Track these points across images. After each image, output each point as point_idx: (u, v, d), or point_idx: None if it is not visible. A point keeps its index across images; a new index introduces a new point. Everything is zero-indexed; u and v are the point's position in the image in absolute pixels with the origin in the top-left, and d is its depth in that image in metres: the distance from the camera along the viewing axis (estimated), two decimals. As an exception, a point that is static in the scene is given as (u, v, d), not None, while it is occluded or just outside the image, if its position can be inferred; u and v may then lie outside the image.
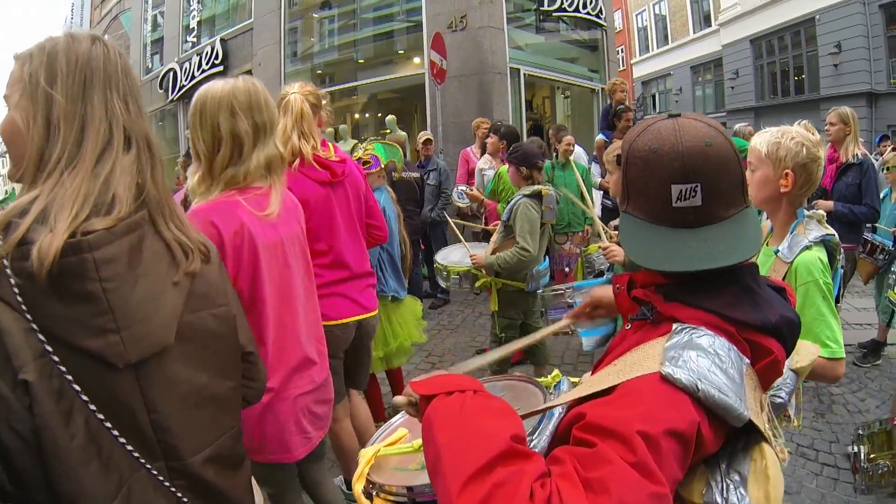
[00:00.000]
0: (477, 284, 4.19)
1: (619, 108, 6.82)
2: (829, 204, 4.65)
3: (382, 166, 3.79)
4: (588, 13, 11.46)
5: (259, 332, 1.87)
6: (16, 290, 0.98)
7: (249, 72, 13.07)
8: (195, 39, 15.87)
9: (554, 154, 6.86)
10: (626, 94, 7.14)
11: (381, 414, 3.89)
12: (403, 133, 8.74)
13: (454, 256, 4.56)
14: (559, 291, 3.34)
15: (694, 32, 26.40)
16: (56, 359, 1.00)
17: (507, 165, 4.48)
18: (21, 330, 0.98)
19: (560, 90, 13.71)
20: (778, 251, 1.98)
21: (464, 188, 5.99)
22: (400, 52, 11.47)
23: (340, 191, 2.68)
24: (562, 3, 10.81)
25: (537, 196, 3.95)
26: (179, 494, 1.20)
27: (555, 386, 1.41)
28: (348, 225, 2.74)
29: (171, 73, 15.88)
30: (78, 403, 1.04)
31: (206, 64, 14.60)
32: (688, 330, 0.96)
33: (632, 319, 1.11)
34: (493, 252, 3.97)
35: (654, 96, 29.35)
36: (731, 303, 0.99)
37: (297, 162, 2.55)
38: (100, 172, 1.11)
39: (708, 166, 1.00)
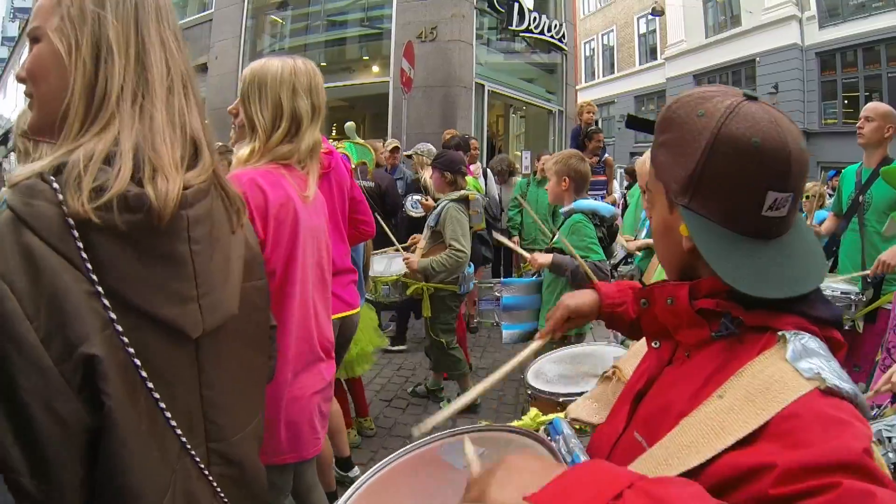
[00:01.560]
0: (408, 292, 4.23)
1: (589, 129, 7.04)
2: None
3: (354, 166, 3.75)
4: (552, 36, 11.70)
5: (283, 320, 1.79)
6: (79, 245, 0.83)
7: (205, 65, 12.72)
8: (147, 28, 15.38)
9: (533, 173, 7.10)
10: (593, 115, 7.32)
11: (348, 422, 3.88)
12: (361, 141, 8.68)
13: (377, 267, 4.49)
14: (489, 284, 3.56)
15: (640, 64, 27.22)
16: (119, 328, 0.87)
17: (470, 177, 4.56)
18: (84, 293, 0.84)
19: (514, 109, 13.93)
20: None
21: (418, 198, 5.97)
22: (365, 58, 11.43)
23: (325, 184, 2.59)
24: (529, 24, 11.00)
25: (464, 200, 4.09)
26: (216, 484, 1.13)
27: (548, 428, 1.18)
28: (332, 219, 2.62)
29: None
30: (138, 380, 0.92)
31: (160, 54, 14.13)
32: (794, 336, 0.81)
33: (716, 336, 0.89)
34: (423, 257, 4.03)
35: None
36: (808, 302, 0.87)
37: None
38: (172, 107, 1.00)
39: (803, 173, 0.87)
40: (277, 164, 1.85)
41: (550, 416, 1.30)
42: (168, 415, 0.98)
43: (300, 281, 1.85)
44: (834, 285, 3.72)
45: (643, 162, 2.14)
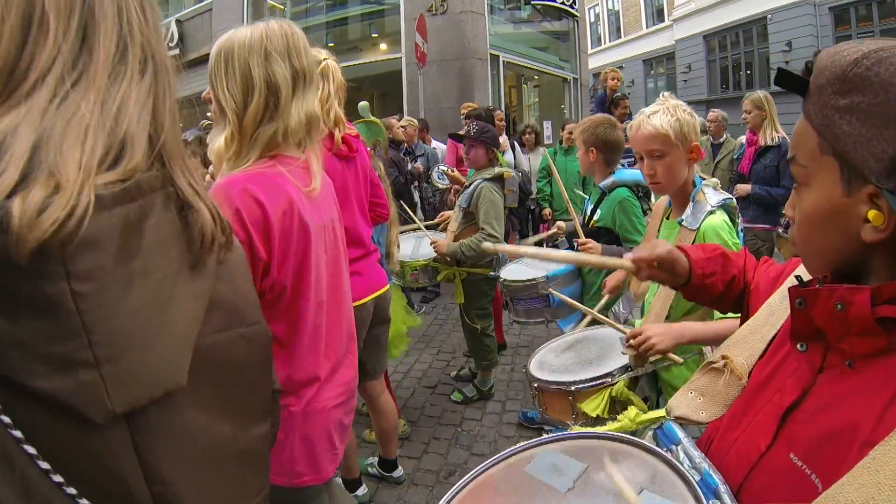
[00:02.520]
0: (439, 278, 4.06)
1: (615, 96, 6.83)
2: (747, 187, 4.87)
3: (370, 147, 3.56)
4: (563, 3, 11.42)
5: (295, 333, 1.60)
6: None
7: (208, 56, 12.50)
8: (147, 20, 15.17)
9: (559, 142, 6.89)
10: (618, 81, 7.04)
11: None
12: (377, 120, 8.47)
13: (404, 248, 4.23)
14: (531, 282, 3.22)
15: (647, 27, 26.73)
16: None
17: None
18: None
19: (525, 79, 13.63)
20: (682, 221, 1.97)
21: (444, 168, 5.73)
22: (374, 35, 11.15)
23: (352, 167, 2.57)
24: (541, -9, 10.74)
25: (499, 179, 3.85)
26: None
27: (657, 433, 1.03)
28: (358, 201, 2.64)
29: (121, 56, 15.11)
30: (34, 475, 0.63)
31: (160, 46, 13.93)
32: None
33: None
34: (455, 240, 3.83)
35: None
36: None
37: (337, 135, 2.40)
38: (111, 97, 0.72)
39: None
40: (268, 158, 1.55)
41: (654, 416, 1.15)
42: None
43: (314, 292, 1.61)
44: None
45: (638, 125, 2.01)
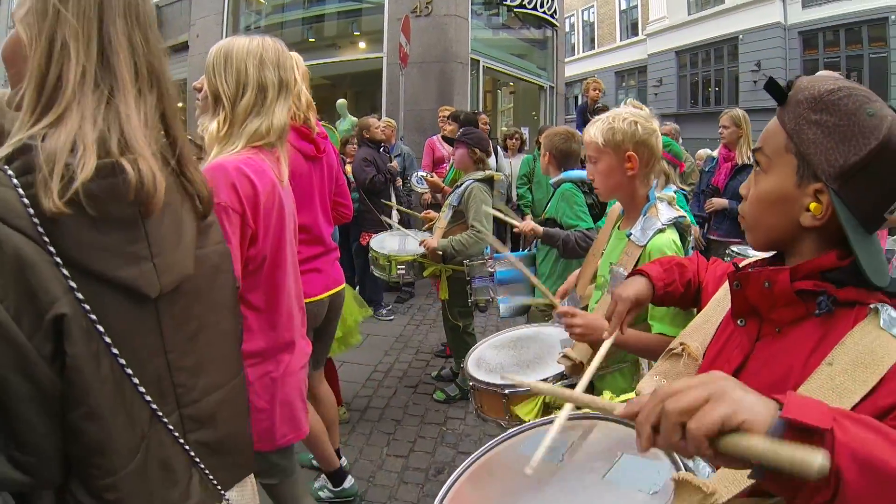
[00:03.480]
0: (425, 273, 4.15)
1: (595, 106, 6.91)
2: (724, 202, 4.93)
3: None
4: (544, 12, 11.55)
5: (275, 301, 1.86)
6: (35, 221, 0.89)
7: (185, 44, 12.33)
8: (122, 4, 14.79)
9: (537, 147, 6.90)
10: (600, 91, 7.19)
11: (338, 399, 3.86)
12: (355, 119, 8.47)
13: (391, 244, 4.41)
14: (481, 261, 3.56)
15: (620, 40, 27.12)
16: (80, 296, 0.92)
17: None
18: (47, 263, 0.89)
19: (500, 84, 13.75)
20: (630, 235, 1.98)
21: (423, 174, 5.80)
22: (356, 34, 11.12)
23: (319, 167, 2.70)
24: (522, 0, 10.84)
25: (489, 181, 4.00)
26: (192, 452, 1.17)
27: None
28: (322, 201, 2.76)
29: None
30: (102, 347, 0.96)
31: (136, 31, 13.59)
32: (883, 308, 0.94)
33: (818, 314, 0.97)
34: (444, 237, 3.95)
35: (576, 97, 30.08)
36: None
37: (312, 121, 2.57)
38: (143, 114, 1.06)
39: None
40: (253, 147, 1.82)
41: (626, 397, 1.30)
42: (136, 381, 1.02)
43: (290, 265, 1.89)
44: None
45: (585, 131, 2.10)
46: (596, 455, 1.12)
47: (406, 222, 6.19)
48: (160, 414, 1.08)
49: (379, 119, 6.81)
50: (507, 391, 2.05)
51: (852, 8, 18.04)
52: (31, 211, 0.89)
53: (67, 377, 0.91)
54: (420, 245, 3.95)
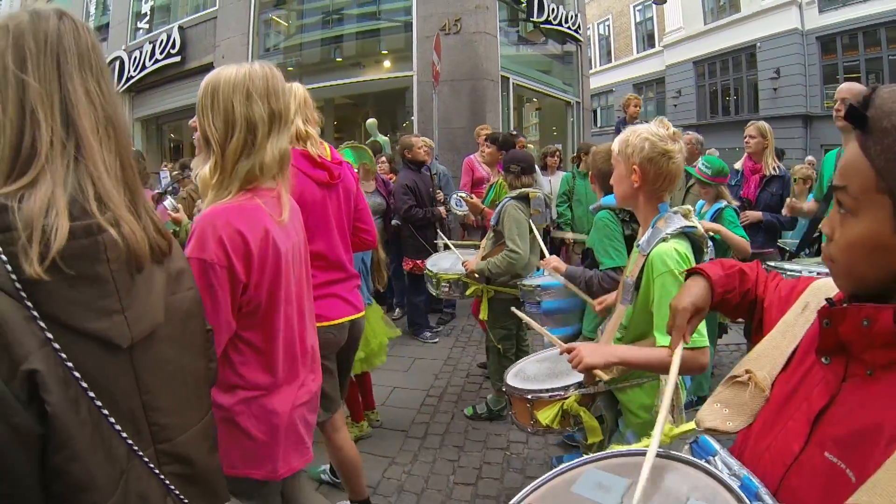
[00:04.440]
0: (467, 293, 4.16)
1: (634, 122, 6.85)
2: (758, 214, 4.86)
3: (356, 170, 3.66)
4: (569, 27, 11.54)
5: (269, 341, 1.83)
6: (13, 277, 0.94)
7: (211, 64, 12.40)
8: (147, 26, 14.89)
9: (575, 164, 6.88)
10: (639, 108, 7.16)
11: (359, 415, 3.99)
12: (385, 138, 8.47)
13: (444, 263, 4.47)
14: (530, 288, 3.43)
15: (637, 52, 27.15)
16: (57, 346, 0.98)
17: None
18: (22, 318, 0.94)
19: (527, 100, 13.74)
20: (639, 245, 2.03)
21: (463, 195, 5.73)
22: (383, 52, 11.13)
23: (334, 193, 2.66)
24: (548, 15, 10.81)
25: (524, 198, 3.96)
26: (168, 482, 1.22)
27: (693, 447, 1.10)
28: (339, 227, 2.71)
29: (118, 62, 14.75)
30: (80, 391, 1.02)
31: (161, 53, 13.66)
32: None
33: None
34: (484, 258, 3.95)
35: (595, 111, 30.12)
36: None
37: (311, 149, 2.53)
38: (109, 161, 1.11)
39: None
40: (246, 191, 1.76)
41: (686, 429, 1.19)
42: (112, 420, 1.08)
43: (284, 309, 1.84)
44: (815, 270, 3.59)
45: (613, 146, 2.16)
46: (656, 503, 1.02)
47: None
48: (136, 449, 1.14)
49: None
50: (530, 396, 2.16)
51: (869, 10, 17.95)
52: (9, 268, 0.94)
53: (50, 423, 0.95)
54: (462, 265, 3.98)
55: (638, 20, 27.29)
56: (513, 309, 2.77)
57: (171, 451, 1.24)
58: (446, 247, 5.05)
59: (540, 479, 1.14)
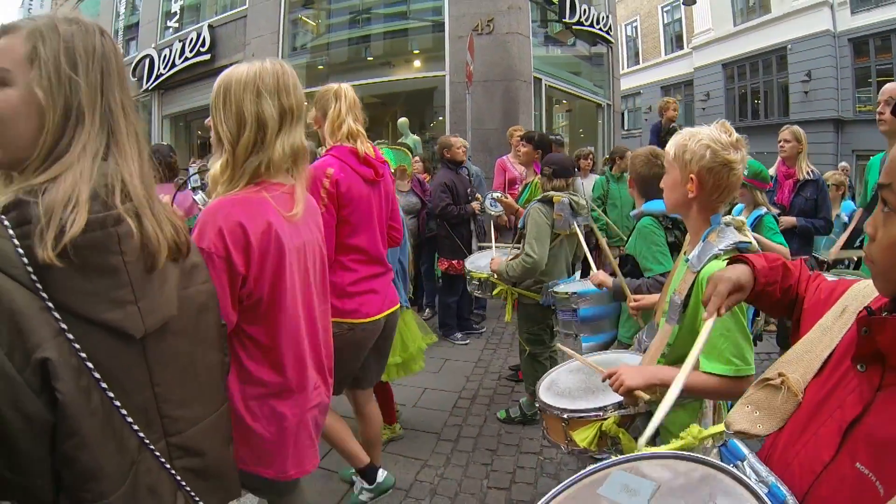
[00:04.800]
0: (494, 293, 4.14)
1: (671, 126, 6.85)
2: (792, 220, 4.76)
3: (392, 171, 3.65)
4: (600, 28, 11.45)
5: (275, 338, 1.81)
6: (29, 269, 0.97)
7: (240, 62, 12.46)
8: (177, 25, 15.06)
9: (608, 167, 6.83)
10: (678, 112, 7.06)
11: (392, 418, 3.97)
12: (417, 137, 8.44)
13: (481, 262, 4.46)
14: (565, 295, 3.36)
15: (665, 54, 26.87)
16: (71, 336, 1.01)
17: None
18: (37, 308, 0.98)
19: (556, 102, 13.64)
20: (688, 260, 1.89)
21: (498, 195, 5.63)
22: (415, 51, 11.09)
23: (377, 190, 2.76)
24: (580, 17, 10.73)
25: (548, 202, 3.87)
26: (179, 477, 1.25)
27: (722, 451, 1.09)
28: (380, 222, 2.82)
29: (148, 60, 14.93)
30: (92, 381, 1.05)
31: (191, 52, 13.80)
32: None
33: None
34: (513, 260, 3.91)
35: (622, 114, 29.94)
36: None
37: (360, 146, 2.63)
38: (143, 167, 1.20)
39: None
40: (255, 184, 1.78)
41: (714, 430, 1.19)
42: (124, 412, 1.11)
43: (289, 305, 1.82)
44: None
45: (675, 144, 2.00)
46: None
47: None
48: (147, 442, 1.18)
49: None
50: (566, 416, 2.06)
51: (903, 11, 17.51)
52: (26, 260, 0.98)
53: (60, 411, 0.99)
54: (490, 267, 3.98)
55: (666, 21, 26.97)
56: (559, 346, 2.70)
57: (182, 444, 1.28)
58: (481, 248, 5.01)
59: (567, 481, 1.12)
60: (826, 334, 1.14)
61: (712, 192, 1.89)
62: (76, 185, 1.04)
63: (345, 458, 3.04)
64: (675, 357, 1.95)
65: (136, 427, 1.14)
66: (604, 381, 1.85)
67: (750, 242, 1.89)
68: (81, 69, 1.10)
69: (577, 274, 4.32)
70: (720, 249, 1.82)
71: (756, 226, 4.29)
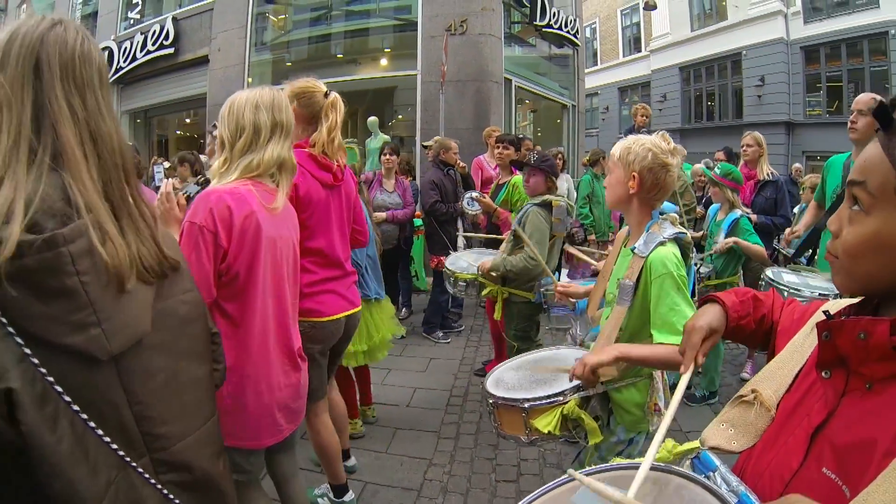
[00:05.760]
0: (482, 294, 4.22)
1: (642, 130, 7.01)
2: (753, 217, 4.97)
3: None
4: (568, 31, 11.61)
5: (245, 317, 2.06)
6: None
7: (206, 57, 12.23)
8: (138, 16, 14.57)
9: (589, 167, 7.13)
10: (648, 118, 7.40)
11: (354, 411, 4.03)
12: (387, 137, 8.45)
13: (463, 262, 4.53)
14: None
15: (623, 56, 27.40)
16: (36, 361, 0.97)
17: (519, 175, 4.65)
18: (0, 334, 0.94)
19: (520, 102, 13.74)
20: (634, 248, 2.12)
21: (475, 194, 5.73)
22: (386, 49, 11.06)
23: (336, 194, 2.85)
24: (550, 19, 10.87)
25: (547, 206, 4.00)
26: (165, 491, 1.21)
27: (694, 462, 1.09)
28: (339, 226, 2.89)
29: (107, 52, 14.44)
30: (62, 406, 1.01)
31: (153, 45, 13.29)
32: None
33: None
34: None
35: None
36: None
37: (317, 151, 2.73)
38: (97, 176, 1.11)
39: None
40: (246, 179, 2.09)
41: (690, 447, 1.18)
42: (100, 432, 1.06)
43: (262, 282, 2.07)
44: (813, 284, 3.71)
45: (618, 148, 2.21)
46: None
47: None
48: (128, 459, 1.13)
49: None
50: (527, 405, 2.13)
51: (853, 23, 18.32)
52: None
53: (25, 442, 0.95)
54: (478, 267, 4.03)
55: (625, 24, 27.52)
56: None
57: (167, 460, 1.23)
58: (467, 241, 5.06)
59: (539, 489, 1.14)
60: (797, 351, 1.17)
61: (650, 190, 2.14)
62: (13, 196, 0.97)
63: (328, 473, 3.14)
64: (626, 337, 2.13)
65: (114, 446, 1.09)
66: (571, 378, 1.97)
67: (685, 233, 2.14)
68: (9, 66, 1.04)
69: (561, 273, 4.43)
70: (664, 237, 2.07)
71: (732, 228, 4.49)
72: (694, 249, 2.28)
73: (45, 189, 1.02)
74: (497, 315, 4.15)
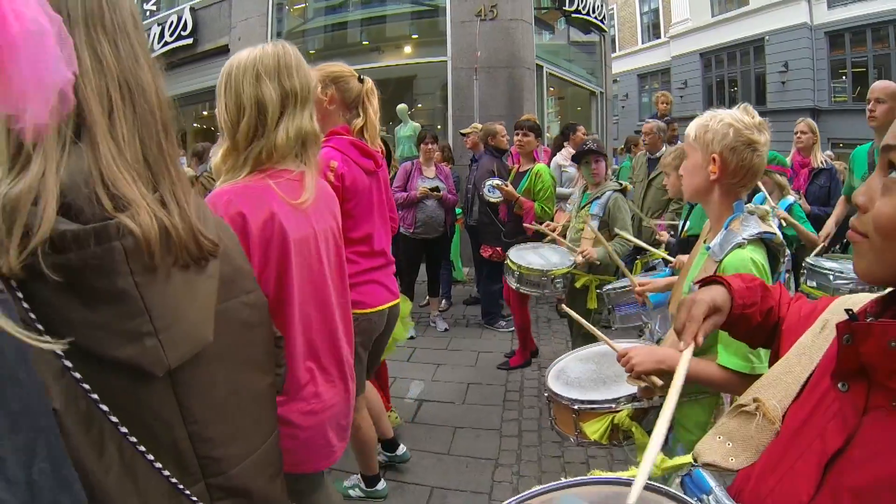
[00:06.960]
0: (577, 284, 4.15)
1: (664, 118, 6.98)
2: (807, 207, 4.88)
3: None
4: (596, 17, 11.40)
5: (285, 334, 1.69)
6: (20, 297, 0.77)
7: (226, 47, 12.06)
8: (154, 8, 14.43)
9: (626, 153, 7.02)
10: (669, 105, 7.41)
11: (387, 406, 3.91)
12: (417, 124, 8.29)
13: (531, 258, 4.38)
14: (626, 288, 3.40)
15: (642, 42, 27.10)
16: (78, 376, 0.81)
17: (541, 163, 5.00)
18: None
19: (548, 89, 13.57)
20: (709, 248, 1.83)
21: (497, 182, 5.47)
22: (413, 36, 10.83)
23: (376, 180, 2.73)
24: (577, 4, 10.66)
25: (623, 192, 4.24)
26: None
27: (685, 480, 0.99)
28: (381, 213, 2.79)
29: (125, 45, 14.33)
30: (108, 428, 0.86)
31: (171, 35, 13.20)
32: None
33: None
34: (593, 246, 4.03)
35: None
36: None
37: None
38: (121, 142, 0.89)
39: None
40: (260, 171, 1.70)
41: (680, 462, 1.07)
42: (150, 457, 0.92)
43: (298, 296, 1.72)
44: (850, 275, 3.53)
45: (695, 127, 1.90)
46: None
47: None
48: (181, 487, 0.98)
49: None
50: (577, 407, 2.02)
51: (877, 8, 17.99)
52: (15, 286, 0.79)
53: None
54: (583, 256, 3.97)
55: (643, 10, 27.21)
56: (563, 307, 2.66)
57: (225, 485, 1.08)
58: (538, 233, 4.89)
59: (512, 498, 0.99)
60: (806, 353, 1.03)
61: (735, 175, 1.81)
62: (36, 175, 0.79)
63: (364, 465, 3.12)
64: (694, 350, 1.89)
65: (166, 473, 0.95)
66: (618, 360, 1.73)
67: (774, 233, 1.82)
68: None
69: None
70: (744, 238, 1.75)
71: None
72: (787, 252, 1.94)
73: (78, 164, 0.84)
74: (592, 304, 4.09)
